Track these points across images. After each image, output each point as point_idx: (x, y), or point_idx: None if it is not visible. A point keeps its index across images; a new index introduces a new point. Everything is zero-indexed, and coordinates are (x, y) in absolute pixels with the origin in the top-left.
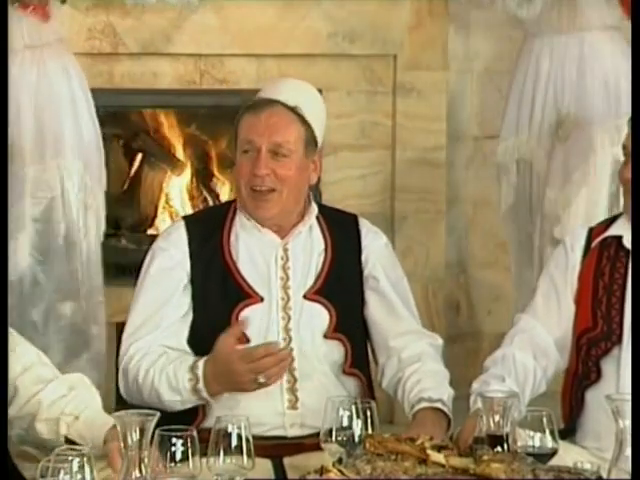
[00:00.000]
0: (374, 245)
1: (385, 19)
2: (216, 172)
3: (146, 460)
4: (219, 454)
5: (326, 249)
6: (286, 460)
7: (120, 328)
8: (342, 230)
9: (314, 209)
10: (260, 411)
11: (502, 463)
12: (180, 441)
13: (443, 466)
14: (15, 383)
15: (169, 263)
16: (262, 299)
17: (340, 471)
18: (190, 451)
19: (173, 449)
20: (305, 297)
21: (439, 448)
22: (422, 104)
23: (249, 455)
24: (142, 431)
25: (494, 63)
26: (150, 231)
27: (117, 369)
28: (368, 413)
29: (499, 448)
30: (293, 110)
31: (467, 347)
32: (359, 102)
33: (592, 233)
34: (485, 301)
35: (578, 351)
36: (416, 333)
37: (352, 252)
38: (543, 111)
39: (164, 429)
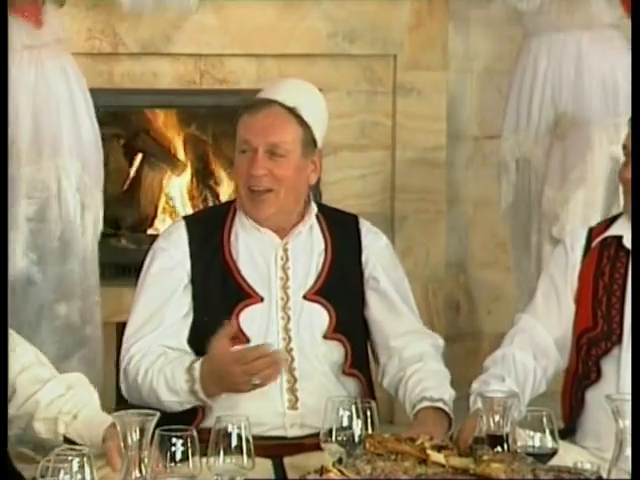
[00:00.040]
0: (374, 246)
1: (385, 19)
2: (216, 172)
3: (146, 460)
4: (219, 454)
5: (326, 249)
6: (286, 460)
7: (120, 328)
8: (342, 230)
9: (314, 209)
10: (260, 411)
11: (502, 463)
12: (180, 441)
13: (443, 466)
14: (13, 383)
15: (169, 263)
16: (262, 299)
17: (340, 471)
18: (190, 451)
19: (173, 449)
20: (305, 297)
21: (439, 448)
22: (422, 104)
23: (249, 455)
24: (142, 431)
25: (494, 63)
26: (150, 231)
27: (117, 369)
28: (368, 413)
29: (499, 448)
30: (291, 110)
31: (467, 347)
32: (359, 102)
33: (592, 233)
34: (485, 301)
35: (578, 351)
36: (417, 333)
37: (352, 253)
38: (541, 110)
39: (164, 429)
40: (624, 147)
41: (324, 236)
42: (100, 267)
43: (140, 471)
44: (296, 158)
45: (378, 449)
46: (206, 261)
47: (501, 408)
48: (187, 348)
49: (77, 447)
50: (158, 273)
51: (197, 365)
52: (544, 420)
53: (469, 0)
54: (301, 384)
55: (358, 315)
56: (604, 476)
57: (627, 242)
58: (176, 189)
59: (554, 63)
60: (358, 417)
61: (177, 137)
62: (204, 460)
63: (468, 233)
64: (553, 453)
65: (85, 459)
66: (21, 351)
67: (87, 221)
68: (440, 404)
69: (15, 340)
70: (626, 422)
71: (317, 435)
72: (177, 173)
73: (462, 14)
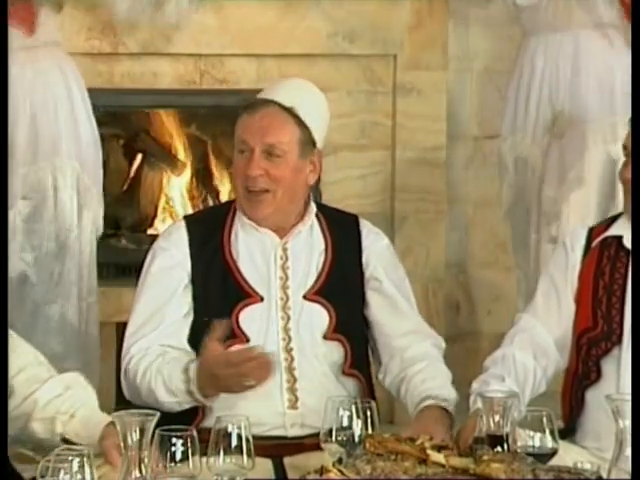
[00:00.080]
0: (375, 246)
1: (385, 19)
2: (216, 172)
3: (146, 460)
4: (219, 454)
5: (326, 249)
6: (286, 460)
7: (120, 328)
8: (343, 230)
9: (313, 209)
10: (260, 411)
11: (502, 463)
12: (180, 441)
13: (443, 466)
14: (11, 383)
15: (170, 262)
16: (262, 299)
17: (340, 471)
18: (190, 451)
19: (173, 449)
20: (305, 297)
21: (439, 448)
22: (422, 104)
23: (249, 455)
24: (142, 431)
25: (494, 63)
26: (150, 231)
27: (117, 369)
28: (368, 413)
29: (499, 448)
30: (289, 111)
31: (467, 347)
32: (359, 102)
33: (592, 233)
34: (485, 301)
35: (578, 351)
36: (420, 333)
37: (352, 253)
38: (538, 109)
39: (164, 429)
40: (624, 147)
41: (324, 236)
42: (100, 267)
43: (140, 471)
44: (293, 159)
45: (378, 449)
46: (206, 261)
47: (501, 408)
48: (187, 347)
49: (77, 447)
50: (158, 273)
51: (193, 365)
52: (544, 420)
53: (469, 0)
54: (301, 384)
55: (358, 315)
56: (604, 476)
57: (627, 242)
58: (176, 189)
59: (551, 62)
60: (358, 417)
61: (177, 137)
62: (204, 460)
63: (468, 233)
64: (553, 453)
65: (85, 459)
66: (19, 351)
67: (86, 221)
68: (445, 404)
69: (13, 340)
70: (626, 422)
71: (317, 435)
72: (177, 173)
73: (462, 14)
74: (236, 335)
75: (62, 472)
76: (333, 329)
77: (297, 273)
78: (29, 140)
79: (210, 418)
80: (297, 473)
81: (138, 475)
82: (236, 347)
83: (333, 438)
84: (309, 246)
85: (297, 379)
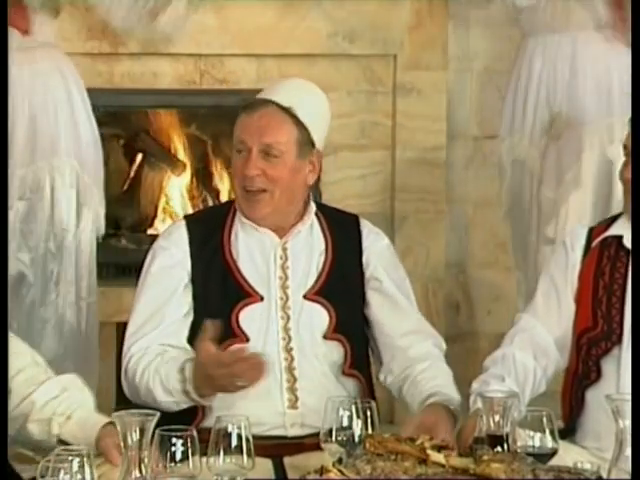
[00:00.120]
0: (375, 247)
1: (385, 19)
2: (216, 172)
3: (146, 460)
4: (219, 454)
5: (327, 249)
6: (286, 460)
7: (120, 328)
8: (343, 230)
9: (313, 208)
10: (260, 411)
11: (502, 463)
12: (180, 441)
13: (443, 466)
14: (10, 384)
15: (170, 262)
16: (262, 298)
17: (340, 471)
18: (190, 451)
19: (173, 449)
20: (305, 297)
21: (439, 448)
22: (422, 104)
23: (249, 455)
24: (142, 431)
25: (494, 63)
26: (150, 231)
27: (118, 369)
28: (368, 413)
29: (499, 448)
30: (287, 111)
31: (467, 347)
32: (359, 102)
33: (592, 233)
34: (485, 301)
35: (578, 351)
36: (421, 333)
37: (353, 253)
38: (535, 110)
39: (164, 429)
40: (624, 147)
41: (324, 236)
42: (100, 267)
43: (140, 471)
44: (291, 159)
45: (378, 449)
46: (206, 261)
47: (501, 408)
48: (187, 347)
49: (76, 447)
50: (159, 272)
51: (189, 365)
52: (544, 420)
53: (469, 0)
54: (301, 384)
55: (358, 315)
56: (604, 476)
57: (627, 242)
58: (176, 189)
59: (549, 64)
60: (358, 417)
61: (177, 137)
62: (204, 460)
63: (468, 233)
64: (553, 453)
65: (85, 459)
66: (18, 352)
67: (86, 220)
68: (450, 403)
69: (11, 341)
70: (626, 422)
71: (317, 435)
72: (177, 173)
73: (462, 14)
74: (236, 334)
75: (62, 472)
76: (333, 329)
77: (297, 273)
78: (27, 141)
79: (210, 418)
80: (297, 473)
81: (138, 475)
82: (236, 347)
83: (333, 438)
84: (309, 246)
85: (297, 379)
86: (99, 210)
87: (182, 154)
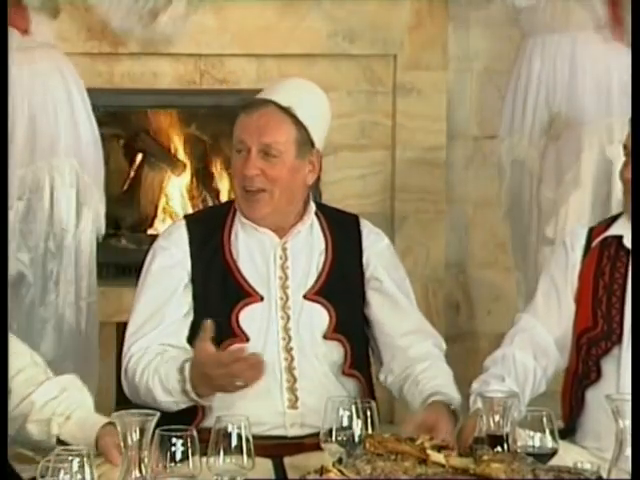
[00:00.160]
0: (376, 247)
1: (385, 19)
2: (216, 172)
3: (146, 460)
4: (219, 454)
5: (327, 249)
6: (286, 460)
7: (120, 328)
8: (343, 230)
9: (313, 208)
10: (260, 411)
11: (502, 463)
12: (180, 441)
13: (443, 466)
14: (10, 384)
15: (170, 262)
16: (262, 298)
17: (340, 471)
18: (190, 451)
19: (173, 449)
20: (305, 297)
21: (439, 448)
22: (422, 104)
23: (249, 455)
24: (142, 431)
25: (494, 63)
26: (150, 231)
27: (118, 369)
28: (368, 413)
29: (499, 448)
30: (287, 110)
31: (467, 347)
32: (359, 102)
33: (592, 233)
34: (485, 301)
35: (578, 350)
36: (421, 333)
37: (353, 253)
38: (535, 111)
39: (164, 429)
40: (624, 147)
41: (325, 236)
42: (100, 267)
43: (140, 471)
44: (290, 159)
45: (378, 449)
46: (206, 260)
47: (501, 408)
48: (187, 347)
49: (75, 447)
50: (159, 272)
51: (187, 365)
52: (544, 420)
53: (469, 1)
54: (301, 384)
55: (358, 315)
56: (604, 476)
57: (627, 242)
58: (176, 189)
59: (548, 63)
60: (358, 417)
61: (177, 137)
62: (204, 460)
63: (468, 233)
64: (553, 453)
65: (85, 459)
66: (17, 352)
67: (86, 220)
68: (452, 404)
69: (11, 341)
70: (626, 422)
71: (317, 435)
72: (177, 173)
73: (462, 14)
74: (236, 334)
75: (62, 472)
76: (333, 329)
77: (297, 273)
78: (27, 141)
79: (210, 418)
80: (297, 473)
81: (138, 475)
82: (235, 347)
83: (333, 438)
84: (309, 246)
85: (297, 379)
86: (99, 210)
87: (182, 154)
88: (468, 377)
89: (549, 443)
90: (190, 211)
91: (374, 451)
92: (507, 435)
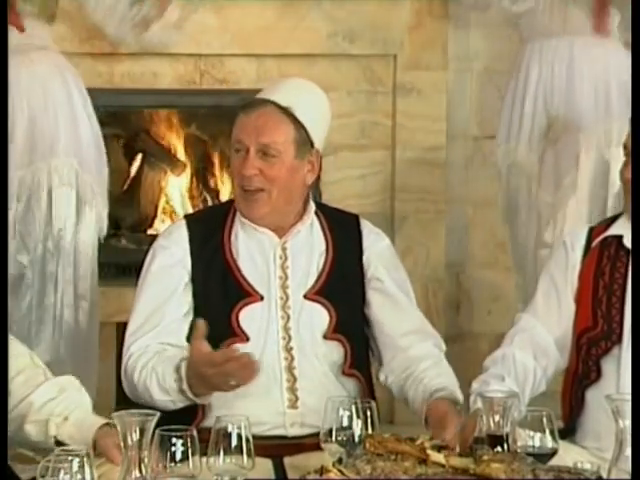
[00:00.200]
0: (376, 247)
1: (385, 19)
2: (216, 172)
3: (146, 460)
4: (219, 454)
5: (327, 249)
6: (286, 460)
7: (120, 328)
8: (343, 230)
9: (312, 208)
10: (260, 410)
11: (502, 463)
12: (180, 441)
13: (443, 466)
14: (8, 385)
15: (170, 261)
16: (262, 298)
17: (340, 471)
18: (190, 451)
19: (173, 449)
20: (305, 297)
21: (439, 448)
22: (422, 104)
23: (249, 455)
24: (142, 431)
25: (494, 63)
26: (150, 231)
27: (118, 369)
28: (368, 413)
29: (499, 448)
30: (285, 110)
31: (467, 347)
32: (359, 102)
33: (592, 232)
34: (485, 301)
35: (578, 350)
36: (421, 333)
37: (353, 253)
38: (533, 115)
39: (164, 429)
40: (624, 147)
41: (325, 236)
42: (100, 267)
43: (140, 471)
44: (289, 158)
45: (378, 449)
46: (206, 260)
47: (501, 408)
48: (187, 345)
49: (75, 448)
50: (159, 271)
51: (184, 364)
52: (544, 420)
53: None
54: (301, 383)
55: (358, 315)
56: (604, 476)
57: (627, 242)
58: (176, 189)
59: (546, 67)
60: (358, 417)
61: (177, 137)
62: (204, 460)
63: (468, 233)
64: (553, 453)
65: (85, 459)
66: (17, 353)
67: (87, 220)
68: (459, 405)
69: (11, 342)
70: (626, 422)
71: (317, 435)
72: (177, 173)
73: (462, 14)
74: (236, 334)
75: (62, 472)
76: (333, 329)
77: (297, 273)
78: (26, 142)
79: (210, 418)
80: (297, 473)
81: (138, 475)
82: (236, 345)
83: (333, 438)
84: (309, 246)
85: (297, 378)
86: (102, 210)
87: (182, 154)
88: (468, 377)
89: (549, 443)
90: (190, 211)
91: (374, 451)
92: (507, 435)
